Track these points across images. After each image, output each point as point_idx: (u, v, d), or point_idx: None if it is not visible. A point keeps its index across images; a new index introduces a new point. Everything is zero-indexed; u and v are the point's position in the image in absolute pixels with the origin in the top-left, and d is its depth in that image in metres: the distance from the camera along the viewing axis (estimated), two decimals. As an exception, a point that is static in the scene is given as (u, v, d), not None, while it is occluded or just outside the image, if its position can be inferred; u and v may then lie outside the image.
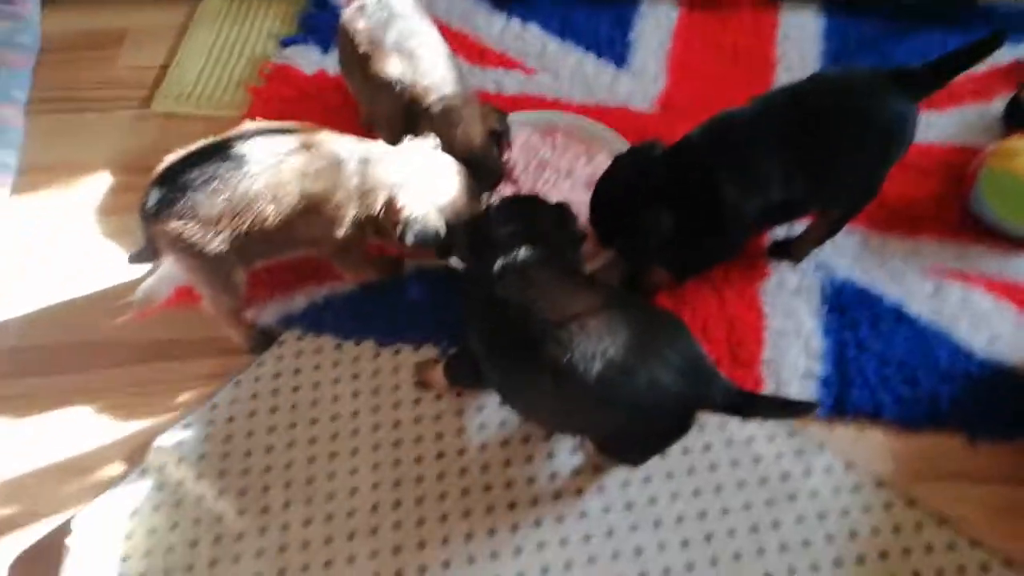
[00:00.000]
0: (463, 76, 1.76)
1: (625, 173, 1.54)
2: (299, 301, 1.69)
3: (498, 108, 1.74)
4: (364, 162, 1.47)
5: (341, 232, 1.49)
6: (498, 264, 1.32)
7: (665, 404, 1.21)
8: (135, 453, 1.53)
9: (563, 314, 1.22)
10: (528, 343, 1.23)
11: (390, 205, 1.47)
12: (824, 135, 1.47)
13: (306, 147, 1.44)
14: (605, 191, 1.55)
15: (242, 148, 1.40)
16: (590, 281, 1.39)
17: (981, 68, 2.02)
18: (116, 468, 1.52)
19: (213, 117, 2.02)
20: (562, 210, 1.47)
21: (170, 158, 1.41)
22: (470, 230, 1.45)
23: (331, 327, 1.67)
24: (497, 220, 1.40)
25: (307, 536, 1.44)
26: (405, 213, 1.46)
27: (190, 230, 1.37)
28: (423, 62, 1.68)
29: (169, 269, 1.71)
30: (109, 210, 1.88)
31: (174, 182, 1.37)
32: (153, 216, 1.36)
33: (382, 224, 1.50)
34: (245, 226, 1.40)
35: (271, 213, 1.41)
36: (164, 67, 2.14)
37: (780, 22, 2.18)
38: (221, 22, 2.24)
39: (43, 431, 1.58)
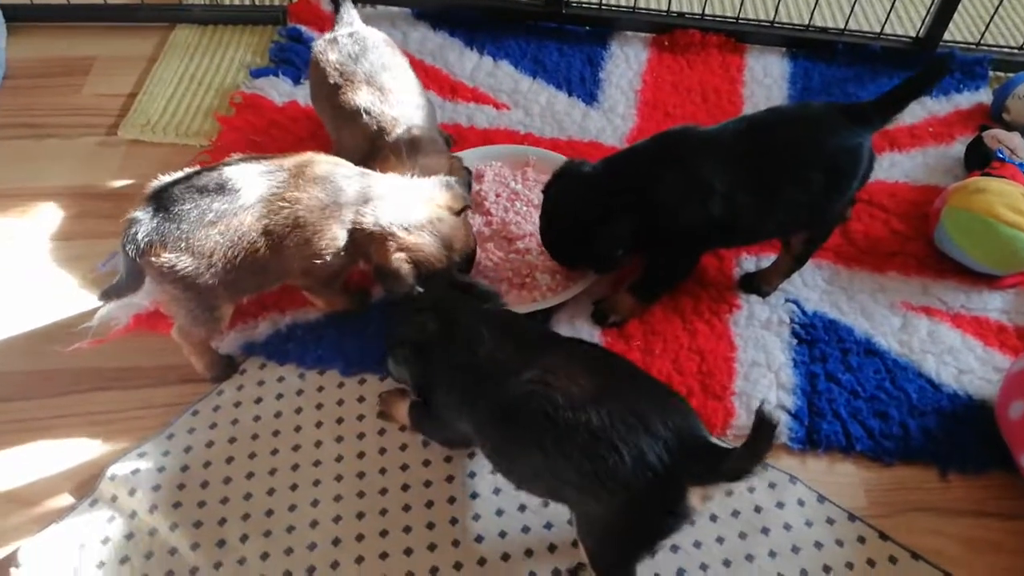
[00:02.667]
0: (433, 114, 1.76)
1: (566, 195, 1.58)
2: (262, 329, 1.65)
3: (464, 166, 1.73)
4: (361, 194, 1.43)
5: (334, 263, 1.45)
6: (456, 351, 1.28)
7: (648, 480, 1.10)
8: (86, 484, 1.46)
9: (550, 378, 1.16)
10: (516, 416, 1.18)
11: (383, 247, 1.43)
12: (771, 162, 1.51)
13: (300, 177, 1.40)
14: (553, 217, 1.60)
15: (235, 179, 1.36)
16: (570, 341, 1.35)
17: (943, 112, 2.11)
18: (65, 499, 1.45)
19: (179, 145, 2.00)
20: (451, 279, 1.42)
21: (157, 183, 1.37)
22: (411, 349, 1.35)
23: (295, 356, 1.62)
24: (414, 319, 1.34)
25: (264, 571, 1.37)
26: (396, 262, 1.42)
27: (182, 263, 1.33)
28: (393, 94, 1.68)
29: (130, 297, 1.67)
30: (66, 236, 1.83)
31: (166, 212, 1.32)
32: (144, 248, 1.31)
33: (371, 258, 1.46)
34: (238, 259, 1.36)
35: (263, 245, 1.37)
36: (132, 96, 2.12)
37: (747, 64, 2.23)
38: (192, 52, 2.23)
39: (-12, 461, 1.51)
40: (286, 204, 1.37)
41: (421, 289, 1.45)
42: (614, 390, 1.15)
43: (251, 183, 1.37)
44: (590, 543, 1.26)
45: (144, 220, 1.32)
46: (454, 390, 1.30)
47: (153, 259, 1.32)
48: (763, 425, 1.04)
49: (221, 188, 1.35)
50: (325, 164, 1.44)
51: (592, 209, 1.53)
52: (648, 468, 1.09)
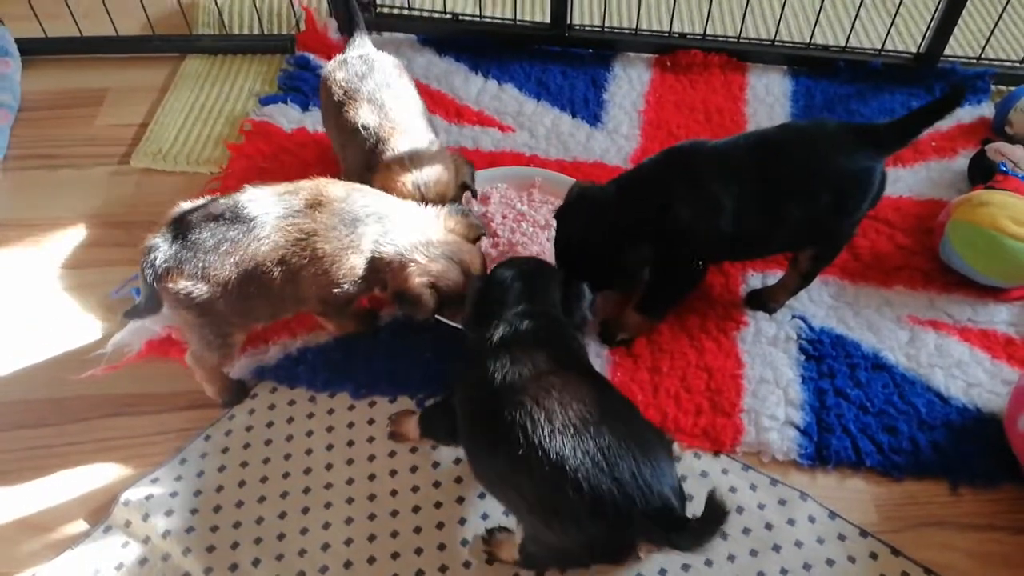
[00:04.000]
0: (435, 132, 1.78)
1: (584, 219, 1.58)
2: (273, 353, 1.67)
3: (467, 160, 1.75)
4: (380, 224, 1.42)
5: (351, 291, 1.45)
6: (497, 336, 1.28)
7: (599, 527, 1.12)
8: (100, 509, 1.48)
9: (547, 400, 1.17)
10: (500, 418, 1.17)
11: (403, 274, 1.43)
12: (782, 179, 1.52)
13: (316, 209, 1.40)
14: (572, 242, 1.59)
15: (251, 210, 1.37)
16: (593, 374, 1.32)
17: (946, 126, 2.12)
18: (80, 525, 1.46)
19: (190, 173, 2.04)
20: (571, 289, 1.40)
21: (178, 210, 1.39)
22: (477, 297, 1.39)
23: (305, 379, 1.64)
24: (503, 293, 1.35)
25: (277, 594, 1.38)
26: (418, 287, 1.42)
27: (198, 291, 1.35)
28: (394, 112, 1.69)
29: (142, 322, 1.69)
30: (80, 264, 1.86)
31: (184, 240, 1.34)
32: (161, 274, 1.33)
33: (390, 286, 1.46)
34: (253, 288, 1.38)
35: (279, 275, 1.38)
36: (143, 125, 2.16)
37: (749, 83, 2.25)
38: (202, 82, 2.27)
39: (4, 487, 1.52)
40: (303, 236, 1.38)
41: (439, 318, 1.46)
42: (599, 427, 1.14)
43: (267, 214, 1.38)
44: (529, 544, 1.29)
45: (163, 247, 1.34)
46: (469, 397, 1.31)
47: (170, 285, 1.34)
48: (713, 512, 1.08)
49: (237, 218, 1.36)
50: (341, 193, 1.43)
51: (612, 231, 1.53)
52: (602, 516, 1.10)
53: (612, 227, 1.53)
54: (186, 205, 1.40)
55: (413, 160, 1.61)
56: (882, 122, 1.56)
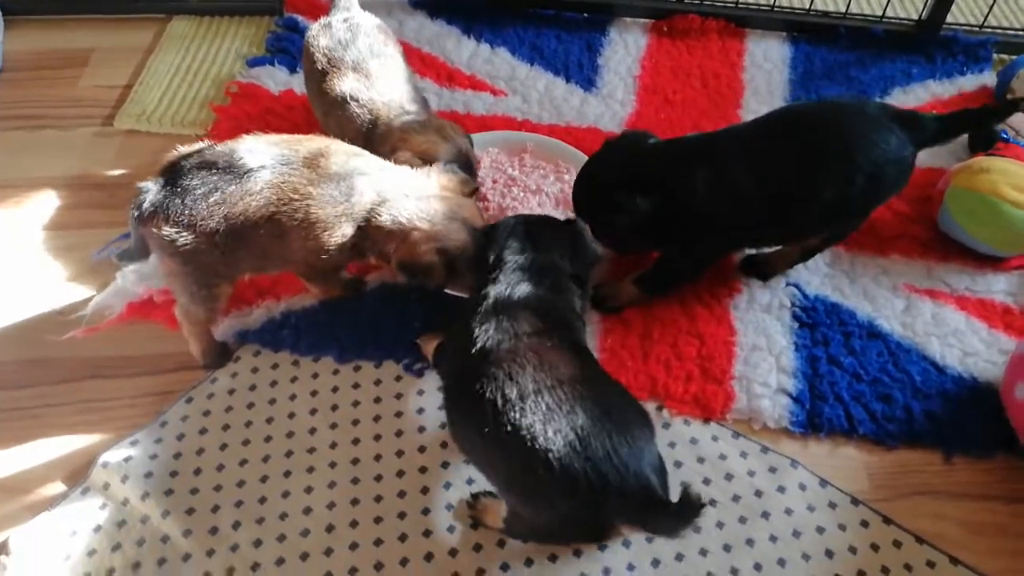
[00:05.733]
0: (423, 100, 1.74)
1: (612, 155, 1.54)
2: (256, 316, 1.64)
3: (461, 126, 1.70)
4: (377, 192, 1.38)
5: (339, 258, 1.42)
6: (490, 292, 1.25)
7: (571, 505, 1.09)
8: (78, 471, 1.45)
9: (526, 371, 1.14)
10: (473, 390, 1.15)
11: (408, 243, 1.38)
12: (816, 159, 1.46)
13: (315, 170, 1.35)
14: (590, 170, 1.56)
15: (247, 161, 1.32)
16: (577, 348, 1.25)
17: (947, 95, 2.08)
18: (57, 487, 1.44)
19: (174, 135, 1.99)
20: (577, 233, 1.38)
21: (174, 154, 1.34)
22: (480, 250, 1.36)
23: (289, 343, 1.61)
24: (509, 244, 1.32)
25: (257, 558, 1.36)
26: (427, 255, 1.38)
27: (183, 238, 1.31)
28: (380, 82, 1.65)
29: (122, 284, 1.66)
30: (62, 225, 1.83)
31: (174, 185, 1.30)
32: (147, 216, 1.30)
33: (388, 255, 1.42)
34: (240, 242, 1.34)
35: (267, 232, 1.34)
36: (128, 87, 2.12)
37: (747, 49, 2.20)
38: (188, 43, 2.22)
39: (-20, 449, 1.50)
40: (297, 197, 1.33)
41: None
42: (573, 405, 1.11)
43: (262, 168, 1.33)
44: (512, 518, 1.27)
45: (152, 190, 1.30)
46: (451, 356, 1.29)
47: (154, 230, 1.30)
48: (688, 506, 1.04)
49: (230, 168, 1.32)
50: (341, 157, 1.39)
51: (618, 179, 1.49)
52: (574, 495, 1.07)
53: (622, 172, 1.50)
54: (183, 149, 1.36)
55: (410, 134, 1.58)
56: (925, 114, 1.53)
